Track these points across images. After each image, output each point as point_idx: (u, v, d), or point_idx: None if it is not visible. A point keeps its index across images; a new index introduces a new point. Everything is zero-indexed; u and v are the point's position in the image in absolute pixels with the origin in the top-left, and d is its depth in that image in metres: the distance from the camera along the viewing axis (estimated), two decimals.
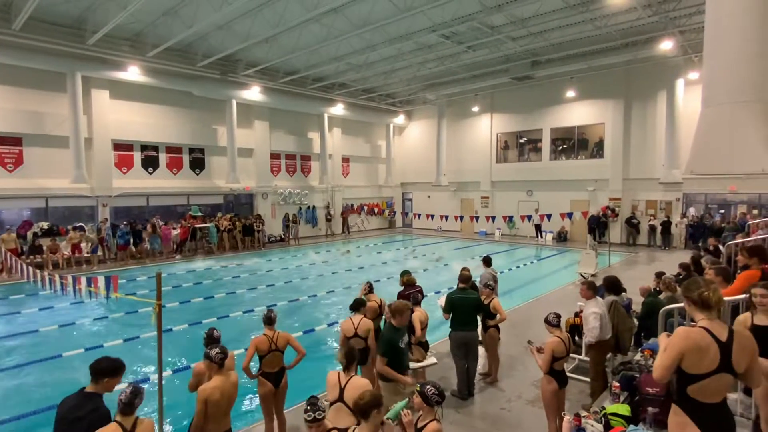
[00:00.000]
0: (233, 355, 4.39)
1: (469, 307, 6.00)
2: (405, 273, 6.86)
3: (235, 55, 18.18)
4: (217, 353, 3.80)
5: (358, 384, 3.62)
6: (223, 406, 3.76)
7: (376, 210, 28.06)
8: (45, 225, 15.98)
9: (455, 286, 6.39)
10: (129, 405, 2.96)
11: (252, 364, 4.71)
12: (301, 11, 13.42)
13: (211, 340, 4.34)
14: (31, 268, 8.26)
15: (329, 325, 9.37)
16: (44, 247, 15.06)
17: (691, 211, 19.06)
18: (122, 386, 3.07)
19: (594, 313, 5.45)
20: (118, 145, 17.98)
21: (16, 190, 15.47)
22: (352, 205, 26.40)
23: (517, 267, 16.05)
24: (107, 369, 3.14)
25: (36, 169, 15.97)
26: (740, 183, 17.09)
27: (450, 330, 6.20)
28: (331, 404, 3.69)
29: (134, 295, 8.96)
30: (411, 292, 6.26)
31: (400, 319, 4.56)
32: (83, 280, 5.80)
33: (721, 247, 9.80)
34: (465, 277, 6.31)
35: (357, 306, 5.44)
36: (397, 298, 5.88)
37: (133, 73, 16.94)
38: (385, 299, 6.18)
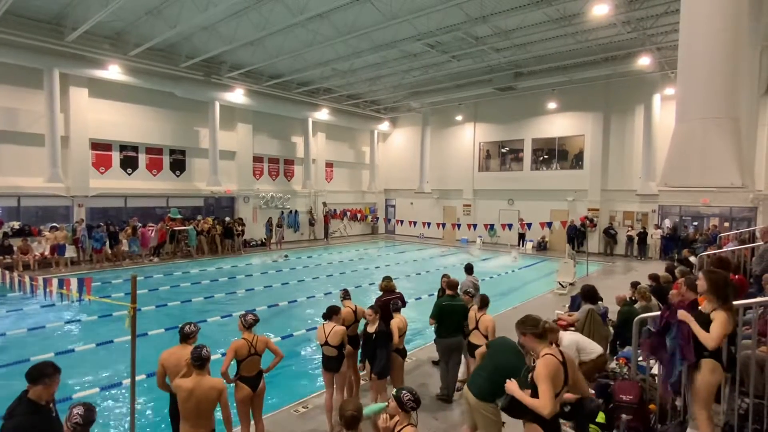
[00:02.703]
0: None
1: (458, 314, 6.00)
2: (385, 278, 6.84)
3: (219, 57, 18.01)
4: (196, 349, 3.82)
5: (488, 319, 5.55)
6: (192, 409, 3.70)
7: (359, 216, 28.04)
8: (16, 225, 15.46)
9: (435, 293, 6.39)
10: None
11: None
12: (287, 15, 13.39)
13: None
14: None
15: (308, 330, 9.29)
16: (15, 248, 14.59)
17: (667, 222, 19.54)
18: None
19: (570, 342, 5.51)
20: (96, 145, 17.56)
21: None
22: (335, 210, 26.32)
23: (498, 275, 16.18)
24: (31, 376, 3.07)
25: (8, 167, 15.43)
26: (712, 196, 17.62)
27: (435, 336, 6.20)
28: (471, 331, 5.73)
29: (108, 298, 8.73)
30: (390, 298, 6.23)
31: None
32: (54, 282, 5.64)
33: (693, 258, 10.10)
34: (453, 284, 6.31)
35: (328, 314, 5.34)
36: (376, 303, 5.86)
37: (113, 72, 16.59)
38: (363, 305, 6.16)
